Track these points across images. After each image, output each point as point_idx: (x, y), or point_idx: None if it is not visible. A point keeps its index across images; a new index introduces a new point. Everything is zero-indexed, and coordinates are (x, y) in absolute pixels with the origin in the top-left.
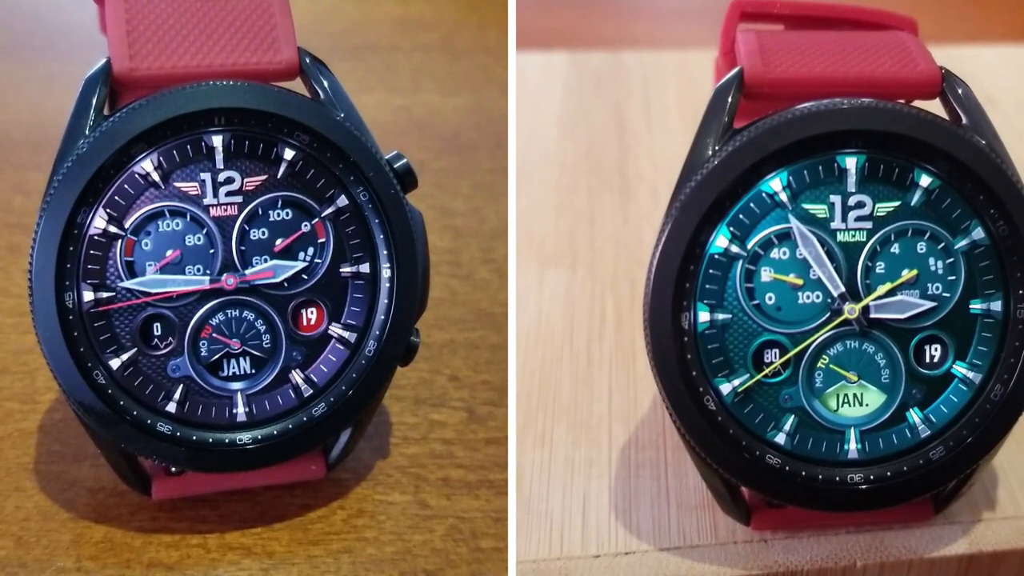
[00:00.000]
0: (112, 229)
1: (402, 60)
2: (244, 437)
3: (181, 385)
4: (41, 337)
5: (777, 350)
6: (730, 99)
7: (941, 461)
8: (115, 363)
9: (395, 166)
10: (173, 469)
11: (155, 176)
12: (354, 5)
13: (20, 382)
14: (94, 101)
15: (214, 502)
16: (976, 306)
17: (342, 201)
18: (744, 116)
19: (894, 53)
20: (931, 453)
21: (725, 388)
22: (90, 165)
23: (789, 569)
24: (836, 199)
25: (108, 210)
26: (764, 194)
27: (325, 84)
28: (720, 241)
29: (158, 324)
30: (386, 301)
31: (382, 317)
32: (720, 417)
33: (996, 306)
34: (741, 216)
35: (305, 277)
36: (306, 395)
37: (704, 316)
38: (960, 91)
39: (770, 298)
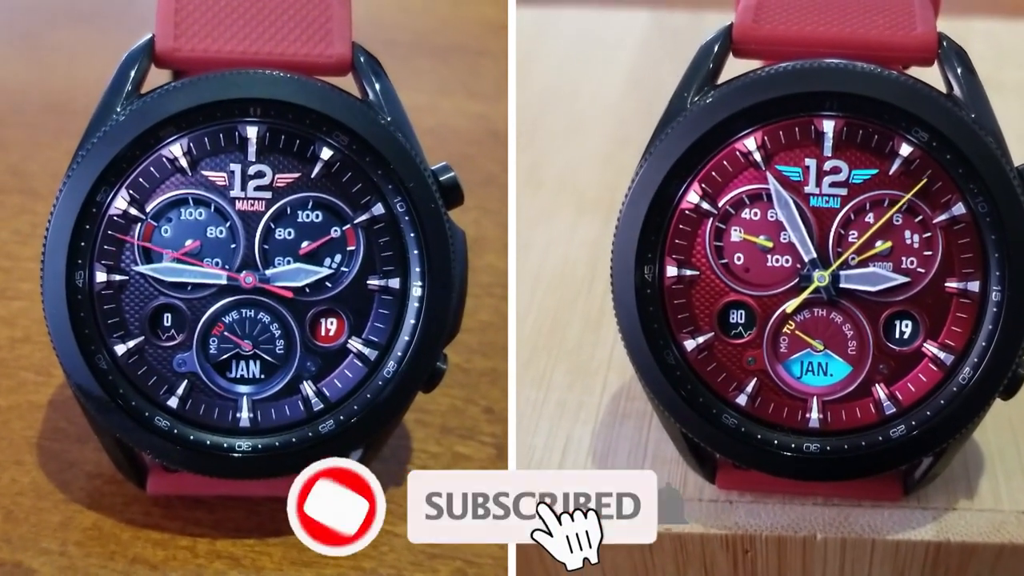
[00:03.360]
0: (132, 211)
1: (489, 65)
2: (243, 444)
3: (185, 381)
4: (47, 313)
5: (743, 311)
6: (714, 54)
7: (902, 439)
8: (120, 349)
9: (440, 178)
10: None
11: (183, 162)
12: (447, 2)
13: (39, 352)
14: (132, 75)
15: (211, 505)
16: (952, 285)
17: (378, 209)
18: None
19: (895, 14)
20: (892, 432)
21: (689, 344)
22: (116, 144)
23: (748, 533)
24: (811, 163)
25: (130, 191)
26: (738, 152)
27: (376, 86)
28: (691, 196)
29: (169, 315)
30: (412, 321)
31: (406, 338)
32: (679, 372)
33: (973, 287)
34: (713, 173)
35: (329, 285)
36: (315, 409)
37: (672, 271)
38: (956, 59)
39: (738, 258)
